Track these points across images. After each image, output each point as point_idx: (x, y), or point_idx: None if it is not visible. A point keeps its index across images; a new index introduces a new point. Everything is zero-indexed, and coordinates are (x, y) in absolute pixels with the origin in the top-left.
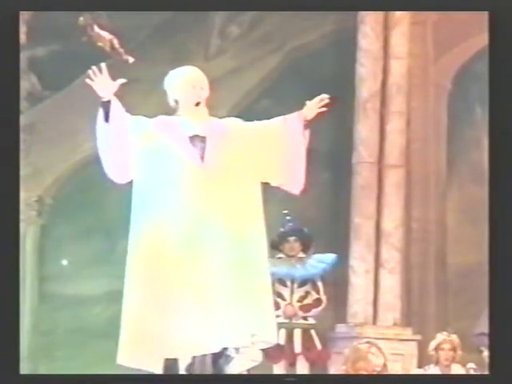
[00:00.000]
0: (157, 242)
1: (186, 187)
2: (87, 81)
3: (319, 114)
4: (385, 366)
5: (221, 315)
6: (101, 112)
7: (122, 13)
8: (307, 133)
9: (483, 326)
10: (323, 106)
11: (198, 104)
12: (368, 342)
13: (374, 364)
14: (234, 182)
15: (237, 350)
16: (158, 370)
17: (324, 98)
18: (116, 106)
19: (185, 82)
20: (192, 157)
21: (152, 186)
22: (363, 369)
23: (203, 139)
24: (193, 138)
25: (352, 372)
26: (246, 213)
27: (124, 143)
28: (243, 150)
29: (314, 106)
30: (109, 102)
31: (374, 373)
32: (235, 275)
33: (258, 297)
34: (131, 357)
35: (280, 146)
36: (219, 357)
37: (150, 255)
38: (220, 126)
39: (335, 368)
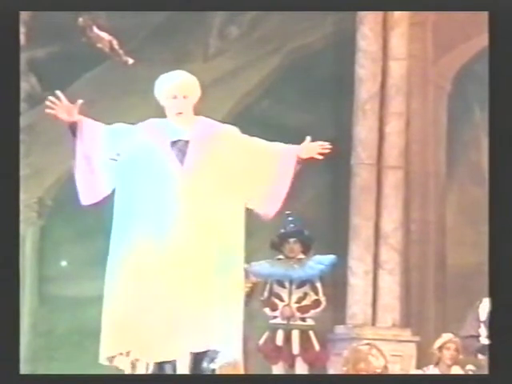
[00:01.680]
0: (136, 247)
1: (165, 191)
2: (47, 111)
3: (314, 159)
4: (385, 367)
5: (189, 322)
6: (69, 133)
7: (120, 13)
8: (298, 167)
9: (470, 328)
10: (321, 154)
11: (179, 113)
12: (368, 344)
13: (374, 366)
14: (213, 187)
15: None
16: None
17: (325, 146)
18: (85, 125)
19: (167, 92)
20: (171, 160)
21: (133, 192)
22: (364, 370)
23: (186, 143)
24: (175, 143)
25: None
26: (225, 220)
27: (94, 161)
28: (229, 160)
29: (313, 149)
30: (75, 123)
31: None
32: (209, 284)
33: (228, 308)
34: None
35: (267, 172)
36: (202, 357)
37: (129, 260)
38: (211, 127)
39: (334, 369)
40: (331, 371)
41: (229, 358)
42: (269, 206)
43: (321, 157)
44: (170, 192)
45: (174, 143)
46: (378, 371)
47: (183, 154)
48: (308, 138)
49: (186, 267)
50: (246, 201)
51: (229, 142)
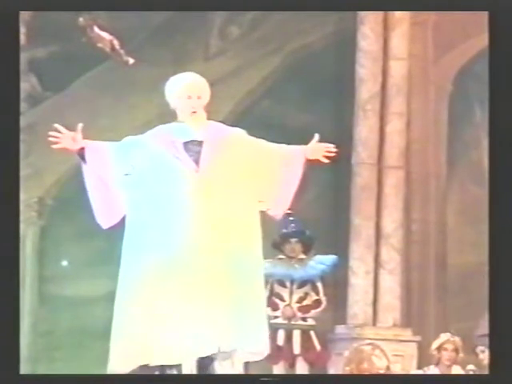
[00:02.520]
0: (151, 249)
1: (181, 192)
2: (54, 147)
3: (319, 162)
4: (388, 368)
5: (212, 324)
6: (79, 159)
7: (121, 13)
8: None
9: (486, 327)
10: (327, 157)
11: (194, 113)
12: (371, 344)
13: (377, 366)
14: (228, 189)
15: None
16: None
17: (331, 148)
18: (93, 148)
19: (180, 92)
20: (186, 162)
21: (147, 198)
22: (367, 370)
23: (200, 143)
24: (188, 144)
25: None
26: (242, 221)
27: (109, 181)
28: (240, 163)
29: (319, 151)
30: (82, 149)
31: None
32: (230, 286)
33: (252, 307)
34: (123, 364)
35: (276, 173)
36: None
37: (143, 262)
38: (221, 131)
39: (335, 369)
40: (332, 371)
41: (258, 355)
42: (278, 206)
43: (327, 160)
44: (187, 193)
45: (186, 144)
46: (381, 372)
47: (197, 155)
48: (316, 136)
49: (205, 268)
50: (258, 202)
51: (238, 145)
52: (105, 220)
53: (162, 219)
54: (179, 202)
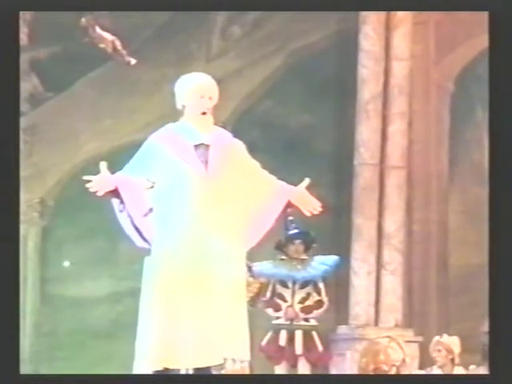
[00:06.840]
0: (169, 256)
1: (192, 197)
2: (98, 195)
3: (301, 212)
4: (404, 361)
5: (193, 333)
6: (115, 200)
7: (123, 13)
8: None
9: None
10: (310, 212)
11: (204, 113)
12: (388, 337)
13: (393, 358)
14: (231, 196)
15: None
16: None
17: (317, 207)
18: (124, 180)
19: (194, 91)
20: (196, 166)
21: (166, 203)
22: (383, 362)
23: (207, 147)
24: (198, 146)
25: (372, 365)
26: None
27: (142, 208)
28: (239, 174)
29: (305, 203)
30: (116, 189)
31: (393, 368)
32: (214, 293)
33: (233, 314)
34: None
35: (257, 203)
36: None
37: (163, 270)
38: (226, 138)
39: (337, 369)
40: (334, 371)
41: (239, 363)
42: (248, 240)
43: (309, 214)
44: (195, 196)
45: (196, 147)
46: (397, 364)
47: (205, 159)
48: (307, 181)
49: (203, 274)
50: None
51: (239, 156)
52: (148, 242)
53: (172, 224)
54: (188, 206)
